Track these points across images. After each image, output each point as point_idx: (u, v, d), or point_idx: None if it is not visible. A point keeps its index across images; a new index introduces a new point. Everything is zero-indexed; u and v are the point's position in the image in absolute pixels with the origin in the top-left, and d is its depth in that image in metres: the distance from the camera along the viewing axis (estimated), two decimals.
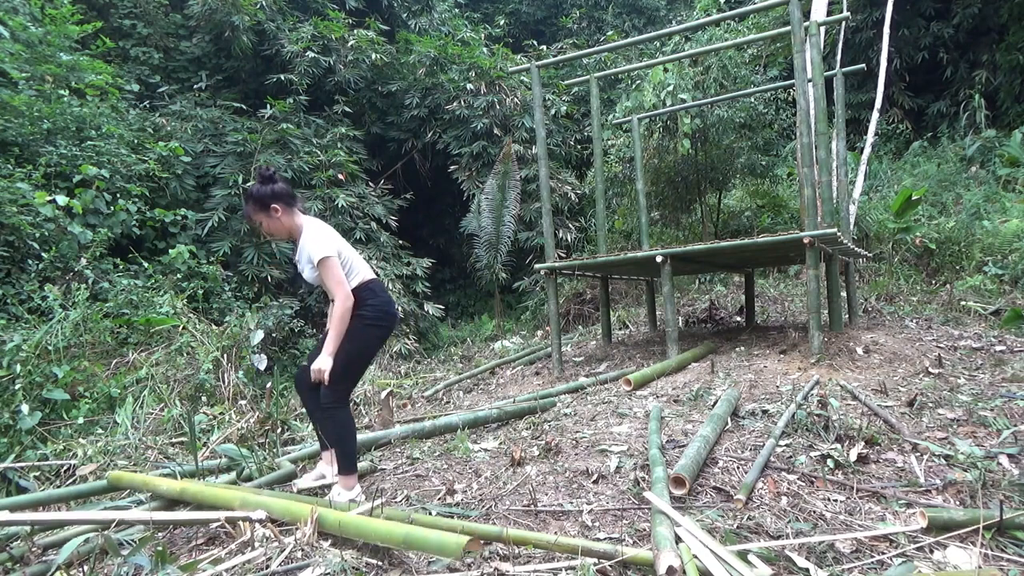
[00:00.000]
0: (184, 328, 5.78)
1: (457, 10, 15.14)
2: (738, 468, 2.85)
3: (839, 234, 4.90)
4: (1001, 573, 1.90)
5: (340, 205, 9.18)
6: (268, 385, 4.96)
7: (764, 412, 3.61)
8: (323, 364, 2.82)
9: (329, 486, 3.03)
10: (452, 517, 2.46)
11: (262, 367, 5.76)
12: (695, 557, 1.96)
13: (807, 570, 1.97)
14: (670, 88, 9.07)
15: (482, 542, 2.08)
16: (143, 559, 2.19)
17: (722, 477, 2.75)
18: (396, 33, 12.32)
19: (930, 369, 4.50)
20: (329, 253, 2.83)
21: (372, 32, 11.17)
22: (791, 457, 2.92)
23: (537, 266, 6.28)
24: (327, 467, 3.14)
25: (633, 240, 10.90)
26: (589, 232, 11.20)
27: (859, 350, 5.06)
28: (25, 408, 4.37)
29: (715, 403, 3.72)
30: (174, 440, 4.37)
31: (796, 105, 6.20)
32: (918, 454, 2.92)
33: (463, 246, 11.62)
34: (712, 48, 8.01)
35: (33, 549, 2.46)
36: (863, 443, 2.97)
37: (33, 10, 8.12)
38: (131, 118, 8.44)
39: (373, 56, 10.97)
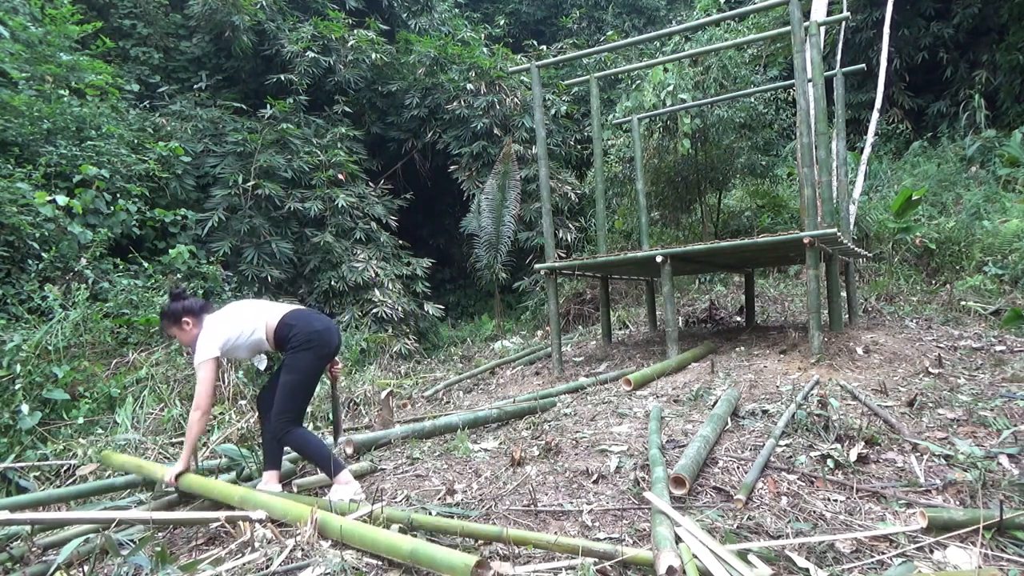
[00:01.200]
0: None
1: (457, 10, 15.14)
2: (738, 468, 2.85)
3: (839, 234, 4.89)
4: (1001, 573, 1.90)
5: (340, 205, 9.18)
6: None
7: (764, 412, 3.61)
8: (167, 473, 2.88)
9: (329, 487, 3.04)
10: (452, 517, 2.46)
11: (262, 367, 5.73)
12: (695, 557, 1.96)
13: (807, 570, 1.97)
14: (670, 88, 9.07)
15: (491, 563, 2.04)
16: (143, 559, 2.19)
17: (722, 477, 2.75)
18: (396, 33, 12.32)
19: (930, 369, 4.50)
20: (207, 356, 2.95)
21: (372, 32, 11.17)
22: (791, 457, 2.92)
23: (537, 266, 6.28)
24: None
25: (633, 240, 10.90)
26: (589, 232, 11.20)
27: (859, 350, 5.05)
28: (25, 408, 4.37)
29: (715, 403, 3.72)
30: (174, 440, 4.37)
31: (796, 105, 6.20)
32: (918, 454, 2.92)
33: (463, 246, 11.62)
34: (712, 48, 8.01)
35: (33, 549, 2.46)
36: (863, 443, 2.97)
37: (33, 10, 8.12)
38: (131, 118, 8.45)
39: (373, 56, 10.97)
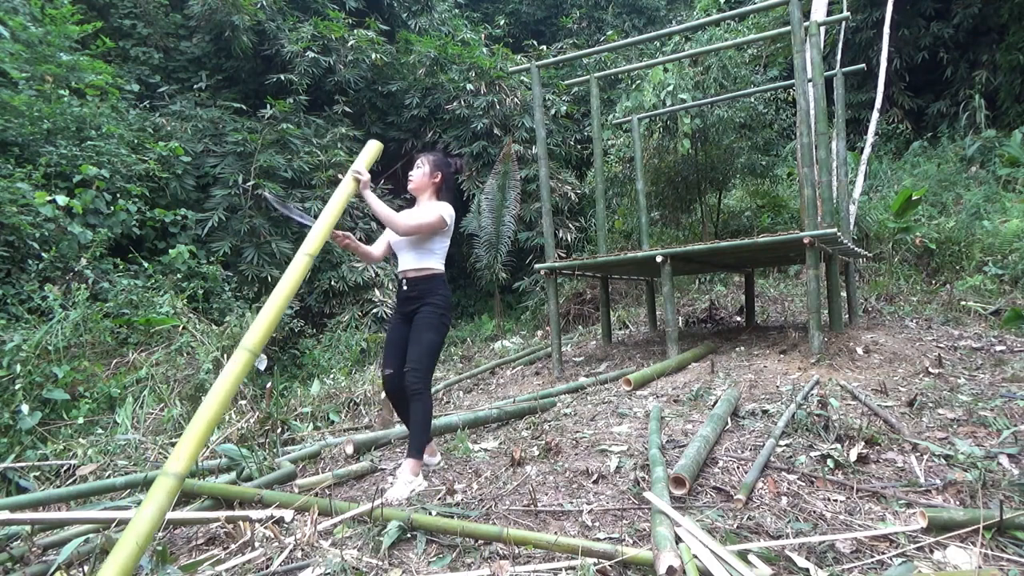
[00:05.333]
0: (184, 328, 5.79)
1: (457, 10, 15.14)
2: (738, 468, 2.84)
3: (839, 234, 4.89)
4: (1001, 573, 1.90)
5: None
6: (268, 385, 4.96)
7: (764, 412, 3.61)
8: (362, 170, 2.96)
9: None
10: (452, 517, 2.46)
11: (262, 367, 5.77)
12: (695, 557, 1.96)
13: (807, 570, 1.97)
14: (670, 88, 9.07)
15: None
16: (143, 559, 2.19)
17: (722, 477, 2.75)
18: (396, 33, 12.32)
19: (930, 369, 4.50)
20: (448, 222, 3.13)
21: (372, 32, 11.17)
22: (791, 457, 2.91)
23: (537, 266, 6.28)
24: (428, 457, 3.26)
25: (633, 240, 10.90)
26: (589, 232, 11.20)
27: (859, 350, 5.05)
28: (25, 408, 4.37)
29: (715, 403, 3.72)
30: (174, 440, 4.36)
31: (796, 105, 6.20)
32: (918, 454, 2.92)
33: (463, 246, 11.62)
34: (712, 48, 8.01)
35: (33, 549, 2.46)
36: (863, 443, 2.97)
37: (33, 10, 8.12)
38: (131, 118, 8.45)
39: (373, 56, 10.98)
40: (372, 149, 3.09)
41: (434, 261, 3.14)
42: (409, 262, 3.16)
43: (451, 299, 3.22)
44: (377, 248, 3.30)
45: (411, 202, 3.23)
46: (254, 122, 9.41)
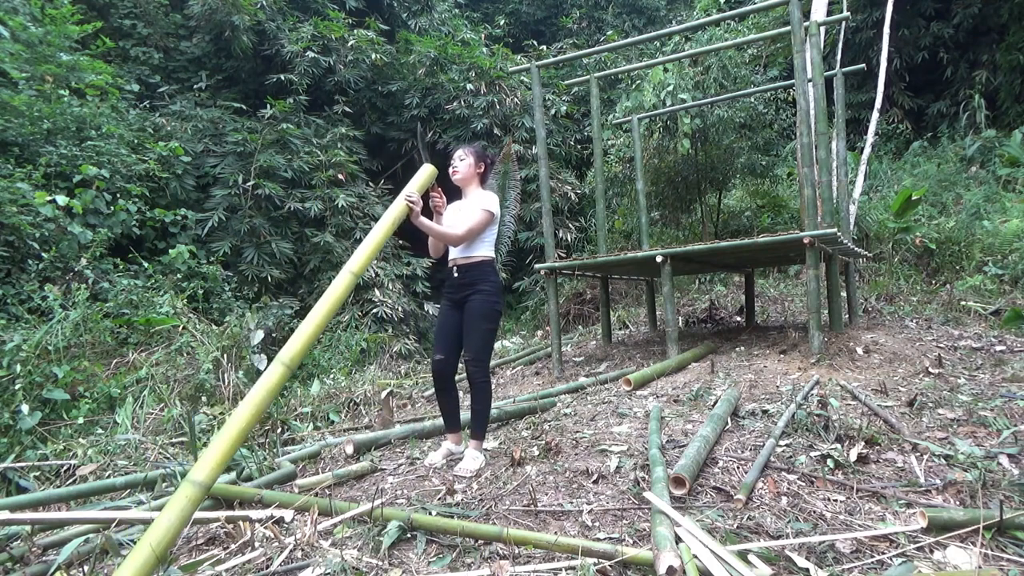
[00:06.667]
0: (184, 328, 5.79)
1: (457, 10, 15.12)
2: (738, 468, 2.84)
3: (839, 234, 4.89)
4: (1001, 573, 1.90)
5: (340, 205, 9.18)
6: None
7: (764, 412, 3.61)
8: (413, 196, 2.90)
9: (457, 459, 3.32)
10: (452, 517, 2.46)
11: (262, 367, 5.76)
12: (695, 557, 1.96)
13: (807, 570, 1.97)
14: (670, 88, 9.07)
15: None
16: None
17: (722, 477, 2.75)
18: (396, 33, 12.31)
19: (930, 369, 4.50)
20: (495, 213, 3.24)
21: (372, 32, 11.16)
22: (791, 457, 2.91)
23: (537, 266, 6.28)
24: (454, 445, 3.42)
25: (633, 240, 10.90)
26: (589, 232, 11.20)
27: (859, 350, 5.05)
28: (25, 408, 4.37)
29: (715, 403, 3.72)
30: (174, 440, 4.37)
31: (796, 105, 6.20)
32: (918, 454, 2.92)
33: None
34: (712, 48, 8.01)
35: (33, 549, 2.46)
36: (863, 443, 2.97)
37: (33, 10, 8.12)
38: (131, 118, 8.45)
39: (373, 56, 10.97)
40: (425, 173, 3.06)
41: (484, 249, 3.25)
42: (459, 250, 3.27)
43: (500, 284, 3.29)
44: None
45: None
46: (254, 122, 9.40)
